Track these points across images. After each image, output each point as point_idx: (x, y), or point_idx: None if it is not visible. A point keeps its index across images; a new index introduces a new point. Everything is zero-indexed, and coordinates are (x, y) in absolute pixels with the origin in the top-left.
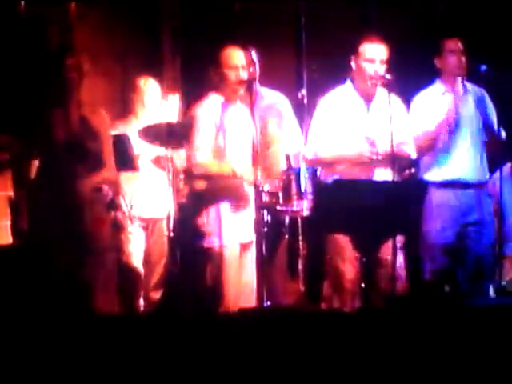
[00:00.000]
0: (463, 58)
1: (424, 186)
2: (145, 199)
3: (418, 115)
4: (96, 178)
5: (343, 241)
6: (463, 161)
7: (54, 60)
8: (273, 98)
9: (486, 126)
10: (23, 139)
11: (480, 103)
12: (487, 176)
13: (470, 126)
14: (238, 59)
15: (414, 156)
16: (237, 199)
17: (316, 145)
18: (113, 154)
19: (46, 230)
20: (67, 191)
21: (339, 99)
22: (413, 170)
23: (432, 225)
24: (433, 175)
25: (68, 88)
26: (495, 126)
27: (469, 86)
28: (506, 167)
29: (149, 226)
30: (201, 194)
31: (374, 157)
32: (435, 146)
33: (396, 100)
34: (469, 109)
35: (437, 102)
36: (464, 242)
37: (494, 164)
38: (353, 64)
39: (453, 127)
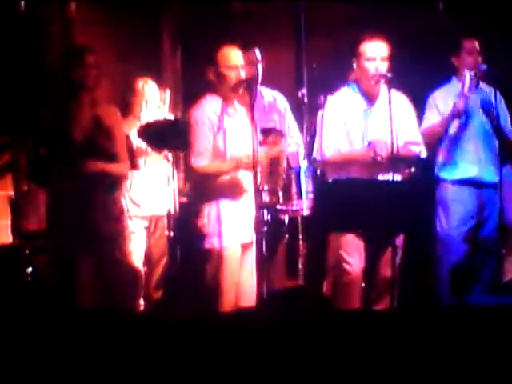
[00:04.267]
0: (479, 58)
1: (424, 185)
2: (147, 197)
3: (435, 110)
4: (114, 168)
5: (352, 238)
6: (477, 160)
7: (73, 57)
8: (271, 97)
9: (499, 125)
10: (32, 137)
11: (494, 103)
12: (499, 175)
13: (483, 124)
14: (237, 59)
15: (423, 155)
16: (239, 199)
17: (321, 147)
18: (126, 152)
19: (61, 230)
20: (83, 190)
21: (343, 101)
22: (412, 170)
23: (446, 221)
24: (447, 173)
25: (86, 85)
26: (508, 126)
27: (482, 85)
28: (506, 167)
29: (151, 224)
30: (202, 194)
31: (379, 158)
32: (440, 140)
33: (403, 99)
34: (483, 108)
35: (453, 100)
36: (475, 239)
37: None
38: (355, 65)
39: (464, 112)
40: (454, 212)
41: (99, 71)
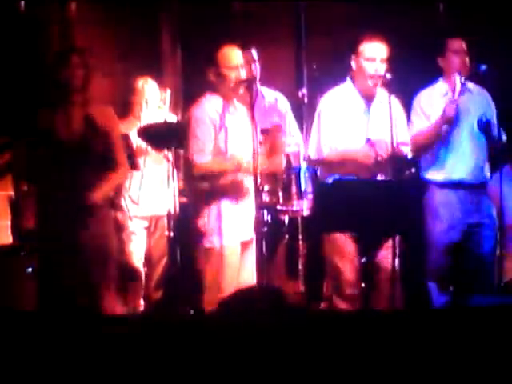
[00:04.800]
0: (466, 58)
1: (423, 185)
2: (147, 197)
3: (420, 113)
4: (115, 181)
5: (342, 241)
6: (464, 161)
7: (60, 58)
8: (273, 98)
9: (487, 126)
10: (25, 140)
11: (481, 103)
12: (488, 177)
13: (471, 126)
14: (237, 59)
15: (409, 156)
16: (238, 197)
17: (318, 145)
18: (124, 152)
19: (53, 231)
20: (74, 191)
21: (340, 99)
22: (413, 170)
23: (434, 225)
24: (434, 175)
25: (74, 86)
26: (496, 127)
27: (471, 85)
28: (506, 168)
29: (151, 224)
30: (202, 194)
31: (379, 158)
32: (432, 146)
33: (394, 101)
34: (470, 109)
35: (439, 101)
36: (465, 242)
37: (494, 165)
38: (353, 63)
39: (454, 118)
40: (442, 216)
41: (87, 71)
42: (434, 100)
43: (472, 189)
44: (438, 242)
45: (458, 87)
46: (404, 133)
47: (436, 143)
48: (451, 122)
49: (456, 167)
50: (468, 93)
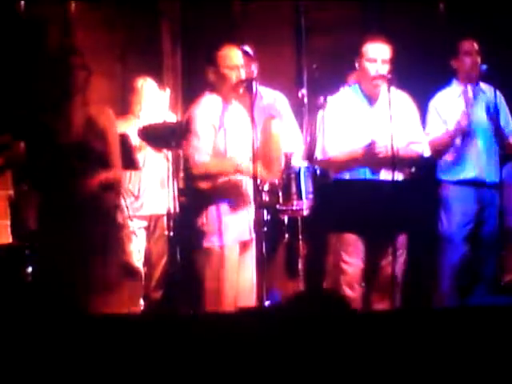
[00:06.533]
0: (478, 59)
1: (423, 185)
2: (146, 196)
3: (437, 117)
4: (102, 176)
5: (352, 238)
6: (479, 161)
7: (59, 60)
8: (272, 98)
9: (500, 126)
10: (25, 139)
11: (494, 103)
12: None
13: (484, 126)
14: (237, 59)
15: (426, 154)
16: (237, 197)
17: (325, 145)
18: (119, 154)
19: (51, 231)
20: (73, 192)
21: (344, 100)
22: (413, 170)
23: (449, 222)
24: (449, 174)
25: (74, 87)
26: (509, 127)
27: (483, 86)
28: (508, 167)
29: (150, 224)
30: (201, 193)
31: (381, 151)
32: (450, 148)
33: (405, 97)
34: (484, 109)
35: (454, 103)
36: (476, 239)
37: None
38: (357, 65)
39: (468, 128)
40: (456, 212)
41: (87, 73)
42: (449, 103)
43: (485, 187)
44: (453, 238)
45: (471, 98)
46: (416, 131)
47: (451, 149)
48: (465, 132)
49: (471, 167)
50: (481, 93)
